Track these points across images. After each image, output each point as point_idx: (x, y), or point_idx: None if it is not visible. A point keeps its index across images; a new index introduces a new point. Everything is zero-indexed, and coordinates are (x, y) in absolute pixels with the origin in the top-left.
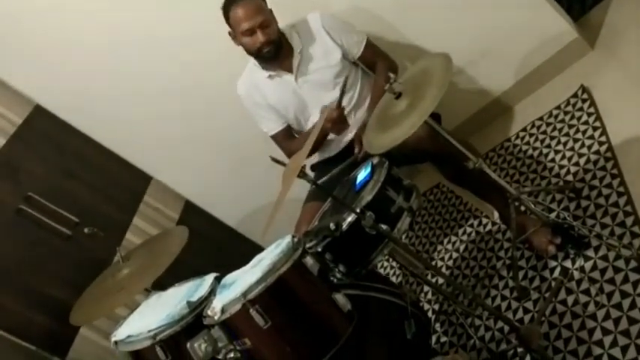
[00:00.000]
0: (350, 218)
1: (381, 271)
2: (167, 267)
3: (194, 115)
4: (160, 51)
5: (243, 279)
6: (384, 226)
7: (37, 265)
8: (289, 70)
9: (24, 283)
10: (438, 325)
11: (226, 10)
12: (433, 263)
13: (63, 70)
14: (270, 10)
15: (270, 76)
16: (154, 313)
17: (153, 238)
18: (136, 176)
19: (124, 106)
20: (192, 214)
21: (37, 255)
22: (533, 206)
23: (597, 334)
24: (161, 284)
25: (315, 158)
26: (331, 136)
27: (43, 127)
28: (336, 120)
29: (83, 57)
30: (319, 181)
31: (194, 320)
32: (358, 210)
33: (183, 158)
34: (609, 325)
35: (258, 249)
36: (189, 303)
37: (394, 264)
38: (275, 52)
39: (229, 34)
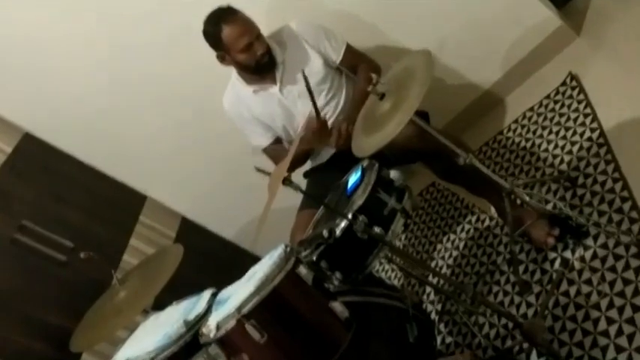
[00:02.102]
0: (343, 224)
1: (383, 275)
2: (165, 286)
3: (184, 131)
4: (144, 69)
5: (238, 293)
6: (377, 229)
7: (34, 294)
8: (273, 82)
9: (22, 311)
10: (442, 325)
11: (215, 32)
12: (434, 263)
13: (49, 97)
14: None
15: (254, 91)
16: (152, 334)
17: (148, 258)
18: (131, 196)
19: (113, 127)
20: (189, 231)
21: (34, 283)
22: (528, 198)
23: (602, 324)
24: (162, 304)
25: (307, 166)
26: None
27: (32, 153)
28: (318, 130)
29: (68, 82)
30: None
31: (192, 339)
32: (350, 215)
33: (176, 175)
34: (613, 314)
35: (258, 261)
36: (186, 322)
37: (395, 267)
38: (270, 59)
39: (218, 57)
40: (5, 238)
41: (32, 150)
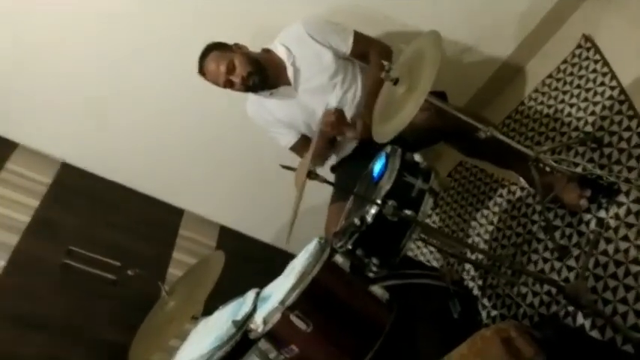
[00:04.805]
0: (373, 210)
1: (422, 258)
2: (211, 292)
3: (213, 143)
4: (171, 87)
5: (280, 288)
6: (408, 212)
7: (89, 314)
8: (287, 82)
9: (80, 333)
10: (485, 300)
11: (204, 77)
12: (470, 240)
13: (81, 126)
14: (235, 44)
15: (271, 94)
16: (204, 339)
17: (193, 268)
18: (168, 212)
19: (144, 146)
20: (228, 238)
21: (88, 304)
22: (554, 163)
23: None
24: (211, 309)
25: (333, 160)
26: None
27: (72, 182)
28: (335, 123)
29: (97, 110)
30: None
31: (242, 338)
32: (379, 200)
33: (210, 186)
34: None
35: None
36: (234, 322)
37: (432, 248)
38: (261, 76)
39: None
40: (56, 265)
41: (71, 178)
